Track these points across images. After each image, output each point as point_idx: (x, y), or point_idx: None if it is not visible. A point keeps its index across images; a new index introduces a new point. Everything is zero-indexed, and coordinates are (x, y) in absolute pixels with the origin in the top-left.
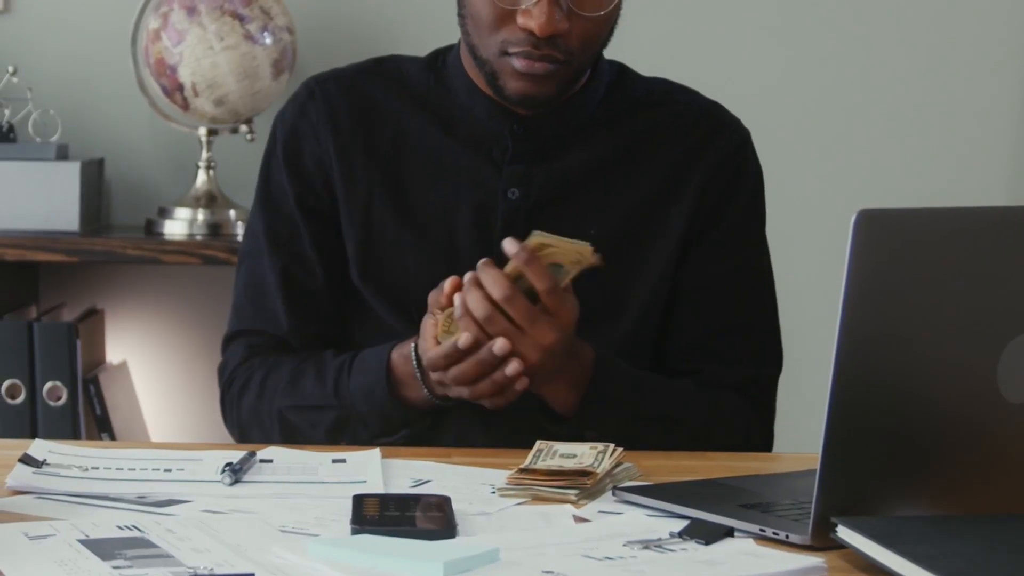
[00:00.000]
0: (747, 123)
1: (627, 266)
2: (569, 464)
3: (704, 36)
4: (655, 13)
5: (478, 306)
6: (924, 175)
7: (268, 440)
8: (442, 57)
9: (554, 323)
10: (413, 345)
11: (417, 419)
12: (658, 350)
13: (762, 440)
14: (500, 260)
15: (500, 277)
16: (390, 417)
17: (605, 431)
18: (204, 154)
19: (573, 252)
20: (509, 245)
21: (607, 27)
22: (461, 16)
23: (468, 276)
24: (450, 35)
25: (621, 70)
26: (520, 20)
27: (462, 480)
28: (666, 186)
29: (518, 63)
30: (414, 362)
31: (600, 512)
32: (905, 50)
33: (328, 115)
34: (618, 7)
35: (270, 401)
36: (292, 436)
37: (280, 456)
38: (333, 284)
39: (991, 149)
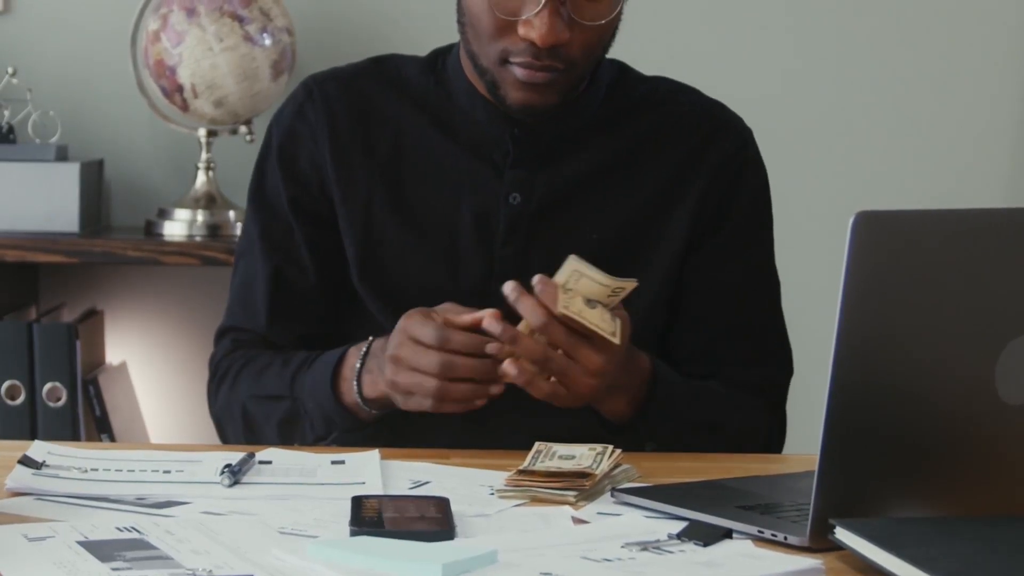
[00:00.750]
0: (746, 123)
1: (631, 270)
2: (567, 466)
3: (705, 37)
4: (655, 13)
5: (533, 352)
6: (924, 176)
7: (236, 434)
8: (442, 58)
9: (594, 345)
10: (371, 339)
11: (352, 426)
12: (662, 353)
13: (777, 443)
14: (501, 268)
15: (536, 307)
16: (329, 415)
17: (661, 442)
18: (203, 155)
19: (607, 288)
20: (537, 282)
21: (609, 34)
22: (461, 23)
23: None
24: (450, 35)
25: (621, 68)
26: (521, 30)
27: (461, 481)
28: (669, 188)
29: (519, 72)
30: (362, 353)
31: (599, 513)
32: (905, 51)
33: (326, 116)
34: (619, 14)
35: (238, 391)
36: (249, 428)
37: (279, 457)
38: (327, 287)
39: (991, 149)
